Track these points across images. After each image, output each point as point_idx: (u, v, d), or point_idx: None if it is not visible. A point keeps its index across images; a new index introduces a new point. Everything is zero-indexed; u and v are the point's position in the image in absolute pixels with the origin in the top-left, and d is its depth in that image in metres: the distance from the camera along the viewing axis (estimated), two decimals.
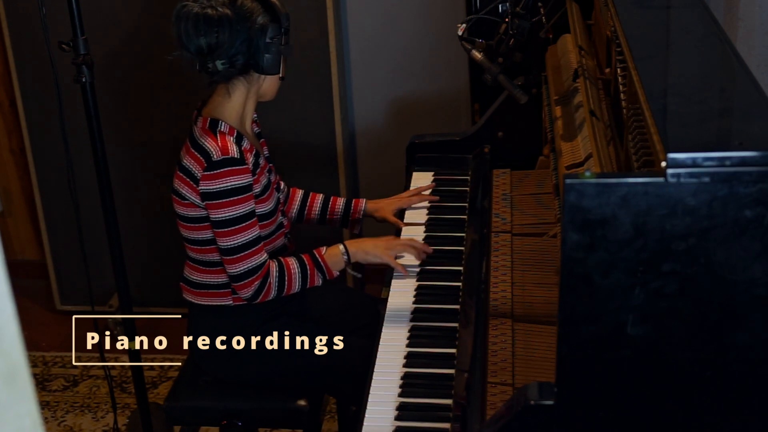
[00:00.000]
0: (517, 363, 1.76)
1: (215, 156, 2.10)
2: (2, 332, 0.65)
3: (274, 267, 2.21)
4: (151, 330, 3.47)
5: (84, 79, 2.25)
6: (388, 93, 3.45)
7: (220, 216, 2.13)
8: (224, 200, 2.12)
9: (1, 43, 3.39)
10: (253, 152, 2.20)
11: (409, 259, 2.26)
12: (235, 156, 2.11)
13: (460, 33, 2.31)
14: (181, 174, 2.17)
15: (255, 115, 2.36)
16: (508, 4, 2.29)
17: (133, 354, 2.52)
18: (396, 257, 2.27)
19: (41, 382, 3.32)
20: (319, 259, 2.25)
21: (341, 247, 2.27)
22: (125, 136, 3.39)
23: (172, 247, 3.44)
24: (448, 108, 3.40)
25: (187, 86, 3.28)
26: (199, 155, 2.13)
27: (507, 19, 2.27)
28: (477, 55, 2.30)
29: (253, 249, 2.17)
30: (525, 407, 1.39)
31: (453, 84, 3.35)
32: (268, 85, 2.22)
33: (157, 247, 3.53)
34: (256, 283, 2.18)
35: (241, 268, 2.17)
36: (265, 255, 2.21)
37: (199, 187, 2.13)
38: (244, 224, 2.15)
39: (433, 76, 3.38)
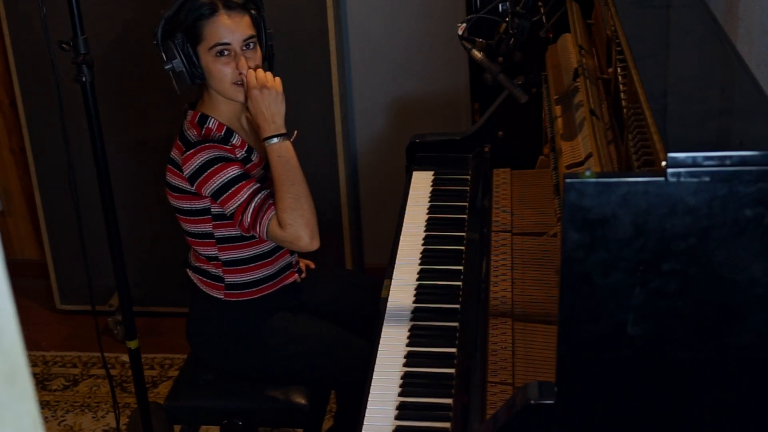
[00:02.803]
0: (517, 362, 1.76)
1: (193, 139, 2.18)
2: (2, 332, 0.65)
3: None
4: (151, 330, 3.48)
5: (84, 79, 2.25)
6: (388, 93, 3.45)
7: (214, 186, 2.14)
8: (209, 170, 2.13)
9: (1, 43, 3.39)
10: (245, 148, 2.23)
11: (408, 256, 2.26)
12: (215, 139, 2.17)
13: (460, 32, 2.30)
14: (169, 165, 2.22)
15: None
16: (508, 3, 2.29)
17: (133, 354, 2.52)
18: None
19: (41, 382, 3.32)
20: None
21: (273, 141, 2.17)
22: (125, 136, 3.39)
23: (172, 247, 3.44)
24: (448, 108, 3.40)
25: None
26: (181, 143, 2.20)
27: (507, 19, 2.27)
28: (477, 54, 2.29)
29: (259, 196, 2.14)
30: (525, 406, 1.39)
31: (453, 84, 3.35)
32: (212, 85, 2.21)
33: (157, 247, 3.53)
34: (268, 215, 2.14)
35: (248, 214, 2.14)
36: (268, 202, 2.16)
37: (184, 172, 2.15)
38: (241, 183, 2.14)
39: (433, 76, 3.38)
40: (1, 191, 3.77)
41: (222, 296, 2.30)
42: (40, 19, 2.18)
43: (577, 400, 1.38)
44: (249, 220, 2.14)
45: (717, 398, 1.36)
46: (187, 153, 2.14)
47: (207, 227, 2.23)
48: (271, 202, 2.15)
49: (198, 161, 2.13)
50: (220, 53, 2.15)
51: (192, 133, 2.18)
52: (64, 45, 2.23)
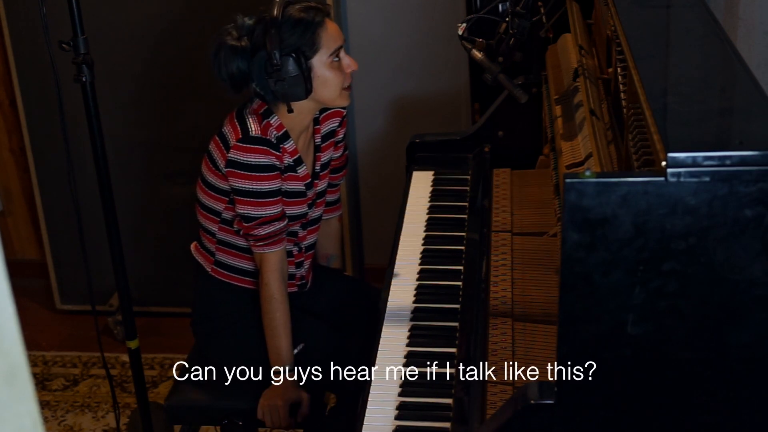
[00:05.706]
0: (517, 363, 1.76)
1: (253, 132, 2.15)
2: (2, 332, 0.65)
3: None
4: (151, 330, 3.48)
5: (84, 79, 2.24)
6: (388, 93, 3.45)
7: (243, 187, 2.15)
8: (250, 173, 2.14)
9: (1, 43, 3.39)
10: (295, 156, 2.22)
11: (408, 256, 2.26)
12: (272, 140, 2.15)
13: (460, 32, 2.30)
14: (217, 138, 2.21)
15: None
16: (508, 3, 2.29)
17: (133, 354, 2.52)
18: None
19: (41, 382, 3.32)
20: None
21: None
22: (125, 136, 3.39)
23: (172, 247, 3.44)
24: (448, 108, 3.40)
25: (189, 85, 3.28)
26: (238, 125, 2.17)
27: (507, 19, 2.27)
28: (477, 54, 2.29)
29: (275, 218, 2.20)
30: (525, 406, 1.39)
31: (453, 84, 3.35)
32: (321, 95, 2.18)
33: (157, 247, 3.53)
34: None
35: (261, 232, 2.20)
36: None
37: (229, 153, 2.15)
38: (272, 199, 2.17)
39: (433, 76, 3.38)
40: (1, 191, 3.77)
41: (209, 270, 2.33)
42: (40, 19, 2.18)
43: (577, 400, 1.38)
44: (262, 234, 2.18)
45: (717, 398, 1.36)
46: (245, 144, 2.13)
47: (219, 205, 2.24)
48: (282, 237, 2.22)
49: (248, 159, 2.13)
50: (337, 57, 2.16)
51: (251, 120, 2.16)
52: (64, 45, 2.23)
